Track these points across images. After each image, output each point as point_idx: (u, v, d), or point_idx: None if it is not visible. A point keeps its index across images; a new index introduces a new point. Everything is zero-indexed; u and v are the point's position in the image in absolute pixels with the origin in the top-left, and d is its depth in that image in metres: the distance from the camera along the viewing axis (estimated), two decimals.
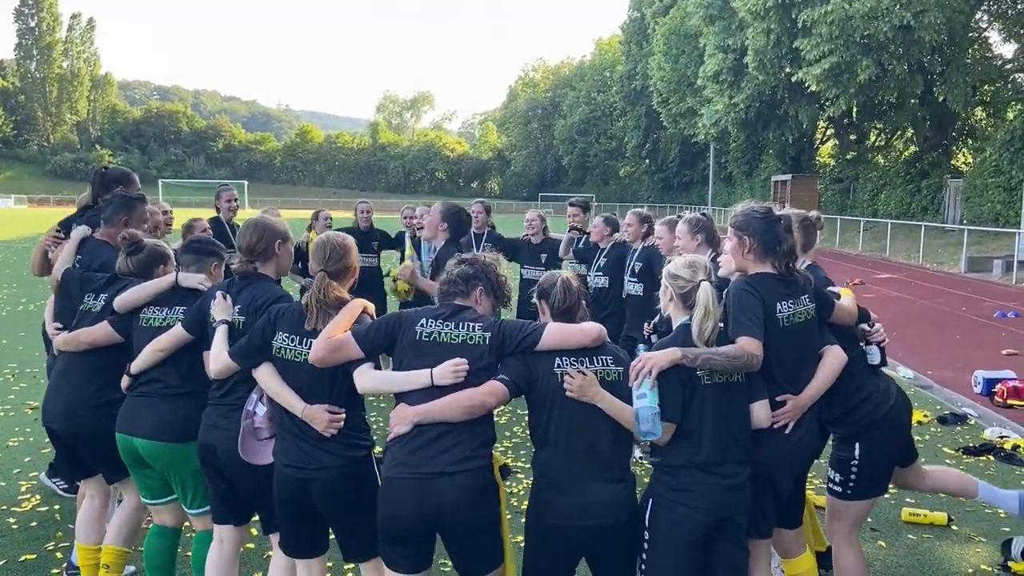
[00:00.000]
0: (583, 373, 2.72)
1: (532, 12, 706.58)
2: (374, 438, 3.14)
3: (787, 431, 3.05)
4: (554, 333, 2.77)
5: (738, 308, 2.95)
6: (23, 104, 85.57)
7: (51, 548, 4.20)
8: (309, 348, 2.84)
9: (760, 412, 2.96)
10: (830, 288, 3.47)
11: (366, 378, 2.81)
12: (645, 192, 69.46)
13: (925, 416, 7.16)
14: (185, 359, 3.29)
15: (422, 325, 2.79)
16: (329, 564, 3.75)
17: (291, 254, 3.38)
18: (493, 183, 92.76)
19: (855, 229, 29.72)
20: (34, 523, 4.53)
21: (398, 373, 2.77)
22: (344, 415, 2.88)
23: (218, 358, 3.04)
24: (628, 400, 2.78)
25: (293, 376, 2.91)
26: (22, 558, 4.10)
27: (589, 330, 2.82)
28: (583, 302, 2.94)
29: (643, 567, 2.84)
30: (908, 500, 5.16)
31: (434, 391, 2.69)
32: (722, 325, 2.92)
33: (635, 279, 5.93)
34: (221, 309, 3.13)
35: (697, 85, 40.90)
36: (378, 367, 2.90)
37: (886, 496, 5.21)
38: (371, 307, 3.01)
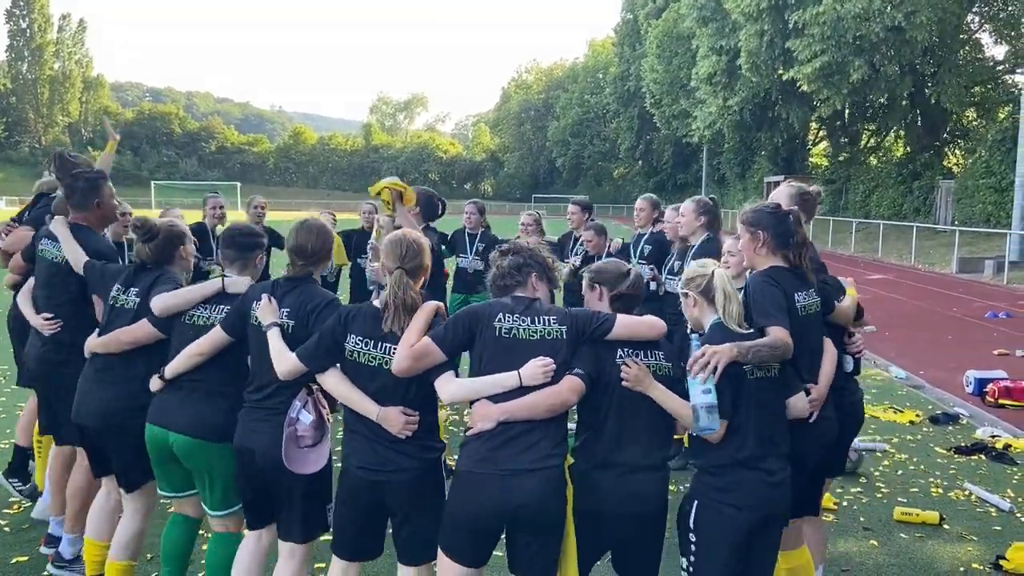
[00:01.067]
0: (638, 364, 2.75)
1: (525, 14, 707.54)
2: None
3: (811, 419, 3.13)
4: (624, 324, 2.80)
5: (762, 299, 2.98)
6: (14, 106, 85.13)
7: (44, 550, 4.16)
8: (384, 351, 2.81)
9: (798, 404, 3.00)
10: (838, 278, 3.58)
11: (452, 386, 2.78)
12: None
13: (917, 416, 7.19)
14: (226, 360, 3.21)
15: (500, 320, 2.76)
16: (320, 565, 3.75)
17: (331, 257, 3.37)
18: (486, 184, 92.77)
19: (847, 230, 29.81)
20: (26, 525, 4.50)
21: (486, 378, 2.73)
22: (418, 417, 2.84)
23: (283, 359, 2.94)
24: (676, 394, 2.83)
25: (366, 380, 2.85)
26: (13, 560, 4.07)
27: (655, 324, 2.86)
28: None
29: (690, 569, 2.83)
30: (900, 500, 5.18)
31: (518, 390, 2.68)
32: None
33: (644, 262, 6.04)
34: (267, 312, 3.05)
35: (690, 87, 40.99)
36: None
37: (878, 495, 5.25)
38: (443, 307, 2.94)
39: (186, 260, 3.60)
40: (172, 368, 3.22)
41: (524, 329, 2.75)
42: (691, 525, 2.83)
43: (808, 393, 3.10)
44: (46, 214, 4.34)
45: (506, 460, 2.65)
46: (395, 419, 2.79)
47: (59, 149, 4.63)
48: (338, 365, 2.92)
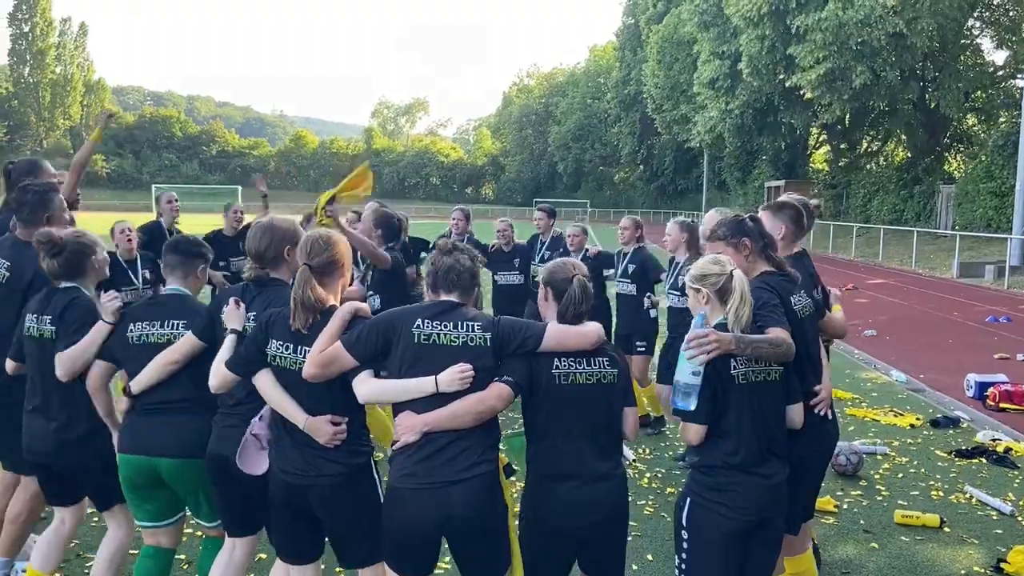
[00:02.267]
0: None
1: (527, 20, 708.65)
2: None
3: (824, 416, 3.18)
4: (555, 335, 2.70)
5: (759, 304, 2.95)
6: (16, 109, 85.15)
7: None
8: (304, 355, 2.73)
9: (794, 416, 2.98)
10: (829, 289, 3.61)
11: (366, 387, 2.69)
12: (640, 198, 69.56)
13: (918, 419, 7.17)
14: (195, 371, 3.10)
15: (418, 327, 2.66)
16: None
17: None
18: (487, 189, 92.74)
19: (848, 235, 29.81)
20: None
21: (401, 381, 2.65)
22: (346, 424, 2.78)
23: (218, 369, 2.89)
24: (621, 403, 2.80)
25: (291, 384, 2.79)
26: None
27: (589, 333, 2.76)
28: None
29: (682, 567, 2.82)
30: (901, 503, 5.17)
31: (438, 397, 2.61)
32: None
33: (627, 280, 6.43)
34: (233, 317, 2.98)
35: (691, 92, 41.02)
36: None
37: (879, 498, 5.24)
38: (364, 308, 2.83)
39: (99, 270, 3.45)
40: (141, 382, 3.11)
41: (445, 335, 2.66)
42: (683, 523, 2.82)
43: (813, 396, 3.15)
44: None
45: (433, 472, 2.60)
46: (323, 429, 2.73)
47: (14, 160, 4.33)
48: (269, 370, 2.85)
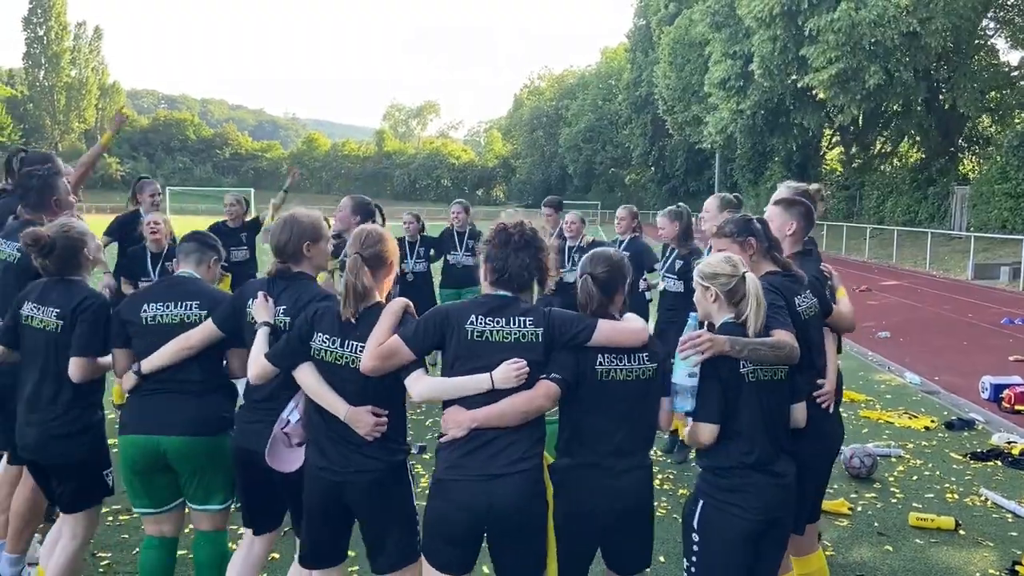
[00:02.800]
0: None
1: (537, 22, 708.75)
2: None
3: (827, 413, 3.22)
4: (606, 332, 2.70)
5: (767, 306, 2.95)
6: (32, 112, 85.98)
7: None
8: (351, 350, 2.76)
9: (798, 414, 2.99)
10: (828, 283, 3.58)
11: (422, 385, 2.71)
12: (651, 200, 69.32)
13: (932, 421, 7.13)
14: (209, 354, 3.16)
15: (471, 323, 2.67)
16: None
17: (326, 253, 3.23)
18: (498, 191, 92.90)
19: (861, 236, 29.65)
20: None
21: (456, 379, 2.67)
22: (387, 418, 2.80)
23: (257, 362, 2.91)
24: (658, 395, 2.82)
25: (335, 379, 2.81)
26: None
27: (640, 331, 2.77)
28: (616, 298, 2.84)
29: (692, 570, 2.82)
30: (915, 505, 5.14)
31: (490, 393, 2.63)
32: None
33: None
34: (262, 310, 3.00)
35: (702, 93, 40.91)
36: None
37: (893, 501, 5.21)
38: (411, 305, 2.85)
39: (94, 259, 3.47)
40: (153, 363, 3.11)
41: (497, 331, 2.67)
42: (695, 525, 2.81)
43: (816, 390, 3.18)
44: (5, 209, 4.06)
45: (478, 465, 2.61)
46: (365, 420, 2.76)
47: (12, 149, 4.37)
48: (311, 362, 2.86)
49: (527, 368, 2.63)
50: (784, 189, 3.71)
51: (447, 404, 2.72)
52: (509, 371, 2.61)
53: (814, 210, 3.57)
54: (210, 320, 3.14)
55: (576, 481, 2.75)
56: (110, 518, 4.57)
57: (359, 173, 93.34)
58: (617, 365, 2.73)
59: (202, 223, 9.58)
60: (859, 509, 5.07)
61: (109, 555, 4.20)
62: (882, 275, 22.28)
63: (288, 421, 2.95)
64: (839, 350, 3.62)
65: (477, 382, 2.63)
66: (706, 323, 2.93)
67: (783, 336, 2.84)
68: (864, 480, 5.56)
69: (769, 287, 3.03)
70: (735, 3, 32.44)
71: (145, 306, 3.19)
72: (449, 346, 2.70)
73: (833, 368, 3.35)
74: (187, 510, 3.34)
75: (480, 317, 2.68)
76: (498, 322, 2.68)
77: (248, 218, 8.00)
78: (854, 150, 41.14)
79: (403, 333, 2.70)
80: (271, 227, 3.21)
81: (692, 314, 2.80)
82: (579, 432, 2.77)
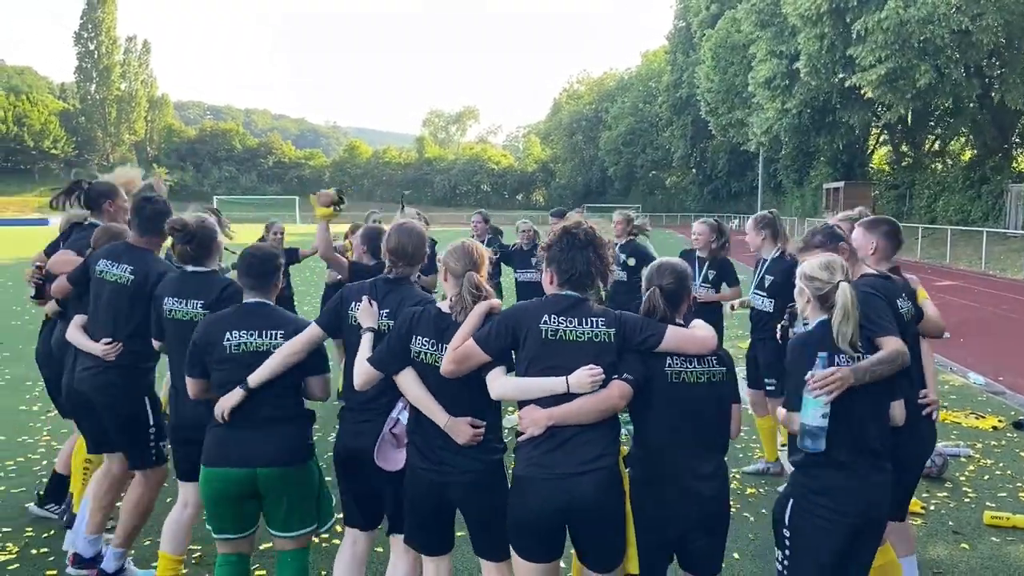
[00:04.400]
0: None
1: (577, 26, 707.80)
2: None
3: (934, 417, 3.31)
4: (674, 338, 2.75)
5: (870, 310, 2.94)
6: (84, 125, 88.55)
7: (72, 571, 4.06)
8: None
9: (896, 412, 2.98)
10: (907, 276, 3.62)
11: (499, 384, 2.77)
12: (692, 202, 68.89)
13: (1000, 421, 7.04)
14: (289, 383, 3.17)
15: (545, 323, 2.72)
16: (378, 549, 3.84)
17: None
18: (538, 195, 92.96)
19: (913, 236, 29.10)
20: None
21: (533, 380, 2.72)
22: (485, 426, 2.86)
23: (361, 367, 2.97)
24: (729, 400, 2.86)
25: (434, 380, 2.86)
26: None
27: (708, 341, 2.80)
28: (681, 307, 2.90)
29: (785, 563, 2.85)
30: (989, 504, 5.11)
31: (564, 395, 2.68)
32: None
33: (707, 285, 6.35)
34: (367, 315, 3.07)
35: (746, 95, 40.52)
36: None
37: (966, 500, 5.18)
38: (497, 304, 2.88)
39: (220, 251, 3.74)
40: (260, 375, 3.08)
41: (571, 331, 2.72)
42: (786, 522, 2.84)
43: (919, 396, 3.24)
44: (85, 242, 4.22)
45: (557, 463, 2.67)
46: (463, 431, 2.82)
47: (79, 177, 4.55)
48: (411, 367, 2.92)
49: (603, 375, 2.68)
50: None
51: (523, 403, 2.79)
52: (585, 376, 2.66)
53: (900, 232, 3.56)
54: (314, 323, 3.23)
55: (652, 490, 2.79)
56: (168, 498, 4.70)
57: (400, 179, 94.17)
58: (687, 367, 2.78)
59: (253, 232, 9.80)
60: (932, 508, 5.05)
61: (157, 539, 4.36)
62: (936, 275, 21.88)
63: (397, 420, 3.04)
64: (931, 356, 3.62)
65: (553, 384, 2.68)
66: (813, 322, 2.93)
67: (893, 345, 2.85)
68: (935, 480, 5.52)
69: (871, 289, 3.06)
70: (780, 1, 32.12)
71: (228, 334, 3.15)
72: (523, 346, 2.75)
73: (933, 376, 3.34)
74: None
75: (554, 316, 2.73)
76: (571, 321, 2.73)
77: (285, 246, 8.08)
78: (904, 148, 40.37)
79: (477, 336, 2.76)
80: (388, 231, 3.30)
81: (821, 354, 2.77)
82: (651, 437, 2.81)
